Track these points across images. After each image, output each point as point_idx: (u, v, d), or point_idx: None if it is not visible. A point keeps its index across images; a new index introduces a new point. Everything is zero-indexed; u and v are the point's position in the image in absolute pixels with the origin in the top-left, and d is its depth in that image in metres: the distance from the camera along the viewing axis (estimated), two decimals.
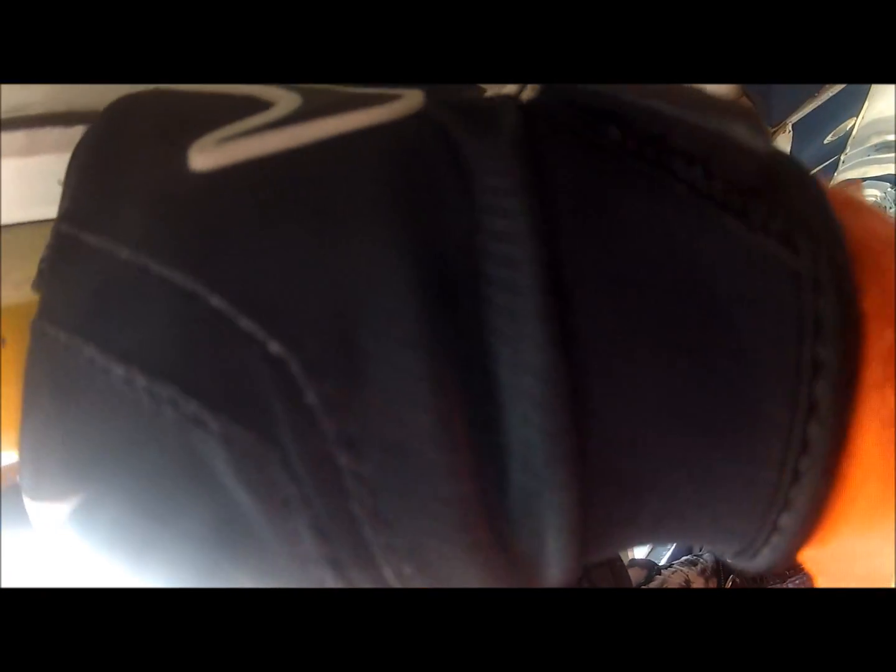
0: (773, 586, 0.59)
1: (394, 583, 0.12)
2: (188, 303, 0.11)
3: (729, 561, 0.15)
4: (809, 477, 0.12)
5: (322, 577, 0.12)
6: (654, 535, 0.14)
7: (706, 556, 0.67)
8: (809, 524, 0.12)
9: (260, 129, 0.13)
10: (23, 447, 0.13)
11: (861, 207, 0.14)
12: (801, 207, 0.12)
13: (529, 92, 0.15)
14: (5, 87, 0.23)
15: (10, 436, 0.14)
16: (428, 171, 0.12)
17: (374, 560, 0.12)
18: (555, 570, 0.13)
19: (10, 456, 0.16)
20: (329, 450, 0.11)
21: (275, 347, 0.11)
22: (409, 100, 0.14)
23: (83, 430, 0.12)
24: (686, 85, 0.14)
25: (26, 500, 0.13)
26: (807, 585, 0.58)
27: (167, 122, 0.14)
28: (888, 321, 0.12)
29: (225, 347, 0.11)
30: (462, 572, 0.12)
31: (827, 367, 0.11)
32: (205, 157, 0.12)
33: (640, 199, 0.12)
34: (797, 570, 0.56)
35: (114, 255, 0.12)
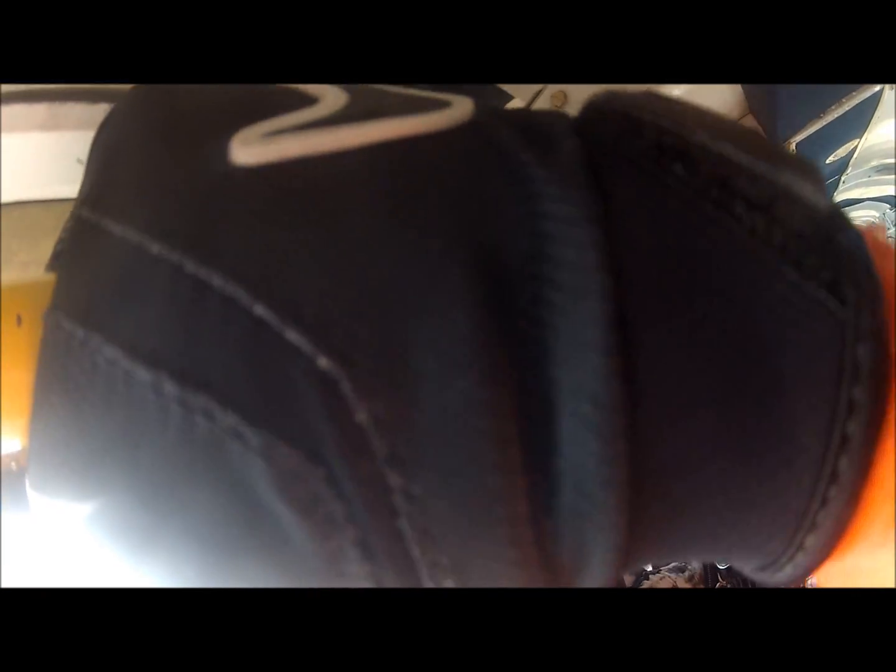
0: None
1: None
2: (227, 308, 0.11)
3: (748, 574, 0.15)
4: (836, 503, 0.13)
5: None
6: (685, 553, 0.14)
7: (694, 563, 0.67)
8: (832, 543, 0.13)
9: (307, 127, 0.12)
10: (32, 441, 0.12)
11: (888, 252, 0.14)
12: (847, 259, 0.13)
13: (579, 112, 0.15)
14: None
15: (22, 424, 0.14)
16: (483, 188, 0.12)
17: (416, 576, 0.12)
18: (591, 585, 0.13)
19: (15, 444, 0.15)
20: (379, 469, 0.11)
21: (324, 363, 0.11)
22: (459, 108, 0.14)
23: (100, 437, 0.11)
24: (755, 131, 0.14)
25: (30, 491, 0.13)
26: None
27: (205, 110, 0.13)
28: None
29: (268, 359, 0.11)
30: (502, 587, 0.12)
31: (860, 407, 0.12)
32: (248, 151, 0.12)
33: (701, 237, 0.13)
34: None
35: (143, 248, 0.11)
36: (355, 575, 0.11)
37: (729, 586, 0.60)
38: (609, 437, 0.11)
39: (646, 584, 0.62)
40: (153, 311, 0.11)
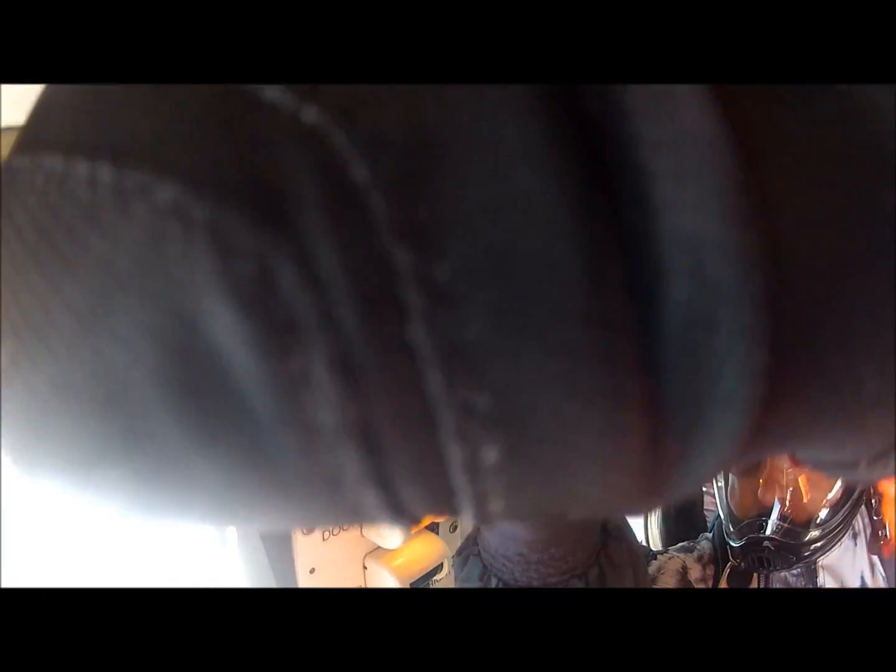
0: (776, 572, 0.60)
1: (461, 487, 0.08)
2: None
3: (846, 475, 0.13)
4: None
5: (359, 497, 0.08)
6: (805, 437, 0.10)
7: (703, 543, 0.67)
8: None
9: None
10: None
11: None
12: None
13: None
14: None
15: None
16: None
17: (433, 435, 0.08)
18: (709, 465, 0.09)
19: None
20: (381, 244, 0.07)
21: (311, 116, 0.08)
22: None
23: (25, 267, 0.09)
24: None
25: None
26: (808, 576, 0.58)
27: None
28: None
29: (235, 115, 0.08)
30: (576, 461, 0.08)
31: None
32: None
33: None
34: (802, 557, 0.57)
35: None
36: (332, 428, 0.08)
37: (743, 565, 0.60)
38: (732, 193, 0.07)
39: (654, 564, 0.63)
40: (106, 100, 0.09)
